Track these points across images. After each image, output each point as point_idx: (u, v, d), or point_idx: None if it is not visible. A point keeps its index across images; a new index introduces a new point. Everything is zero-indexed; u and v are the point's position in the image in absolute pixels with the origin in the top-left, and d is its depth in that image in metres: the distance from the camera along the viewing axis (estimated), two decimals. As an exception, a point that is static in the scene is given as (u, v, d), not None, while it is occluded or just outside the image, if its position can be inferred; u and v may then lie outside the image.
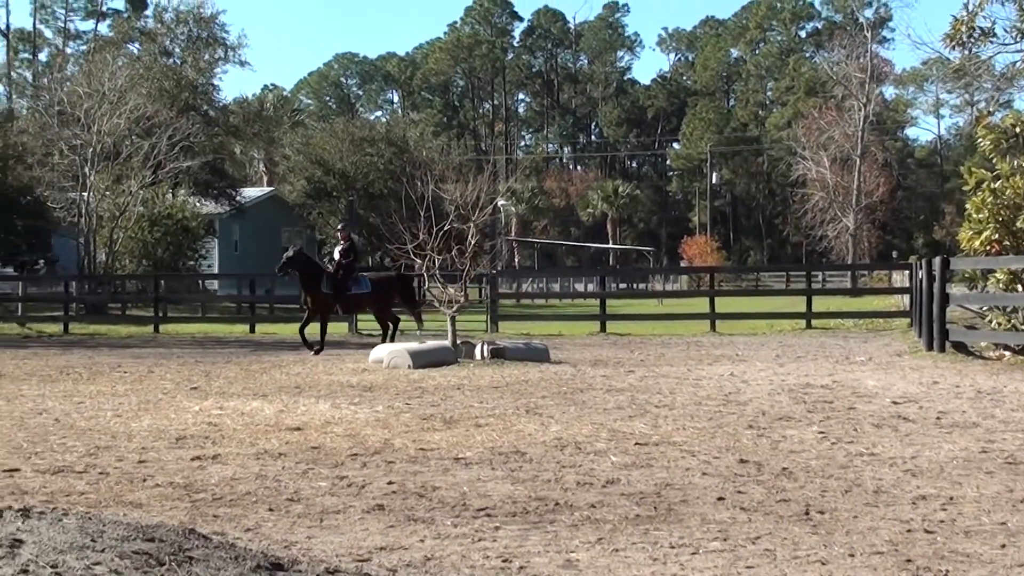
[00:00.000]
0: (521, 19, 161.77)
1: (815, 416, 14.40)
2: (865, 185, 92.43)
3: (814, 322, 36.30)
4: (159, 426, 13.93)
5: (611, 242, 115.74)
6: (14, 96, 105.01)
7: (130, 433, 13.28)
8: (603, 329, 36.27)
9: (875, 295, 53.13)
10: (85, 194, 51.31)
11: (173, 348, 31.03)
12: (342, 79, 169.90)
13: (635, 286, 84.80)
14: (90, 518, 7.43)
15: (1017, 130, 25.62)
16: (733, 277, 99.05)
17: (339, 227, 30.11)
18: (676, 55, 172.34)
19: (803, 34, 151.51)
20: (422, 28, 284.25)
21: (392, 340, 27.04)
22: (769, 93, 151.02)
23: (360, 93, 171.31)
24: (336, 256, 28.45)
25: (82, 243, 51.70)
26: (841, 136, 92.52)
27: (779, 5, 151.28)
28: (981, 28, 27.30)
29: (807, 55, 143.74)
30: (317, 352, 26.29)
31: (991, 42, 27.91)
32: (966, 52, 28.47)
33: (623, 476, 10.13)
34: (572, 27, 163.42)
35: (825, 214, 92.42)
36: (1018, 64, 29.25)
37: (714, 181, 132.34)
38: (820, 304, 40.59)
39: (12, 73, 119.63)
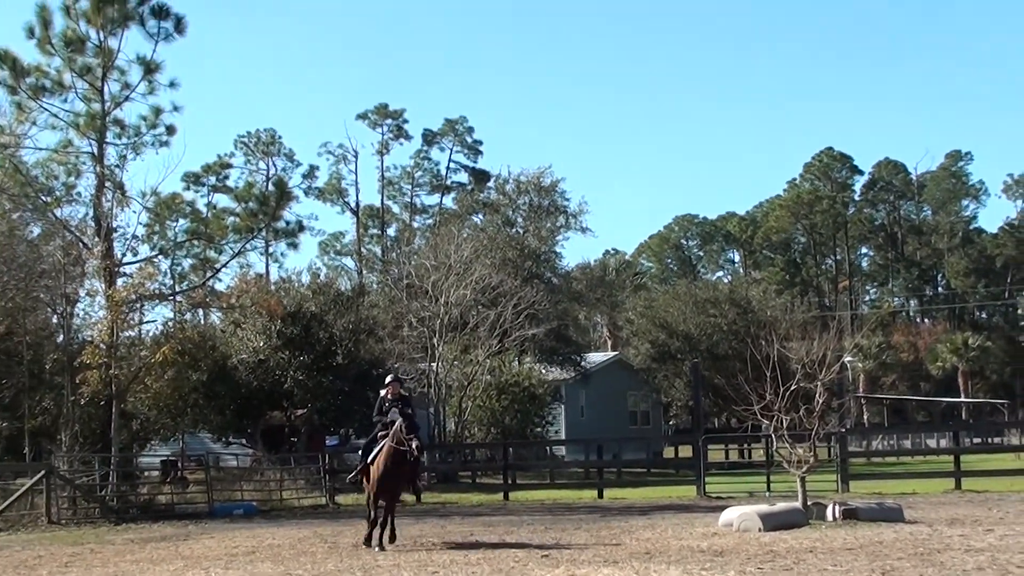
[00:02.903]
0: (861, 172, 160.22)
1: None
2: None
3: None
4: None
5: (962, 395, 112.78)
6: (364, 271, 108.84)
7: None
8: (958, 486, 35.36)
9: None
10: (434, 364, 52.61)
11: (523, 515, 31.36)
12: (682, 240, 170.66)
13: (990, 440, 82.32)
14: None
15: None
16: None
17: (389, 380, 23.29)
18: (1023, 201, 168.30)
19: None
20: (761, 186, 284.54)
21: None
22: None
23: (701, 254, 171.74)
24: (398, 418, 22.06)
25: (432, 413, 52.87)
26: None
27: None
28: None
29: None
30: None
31: None
32: None
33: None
34: (914, 178, 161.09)
35: None
36: None
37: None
38: None
39: (362, 249, 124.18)
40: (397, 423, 21.64)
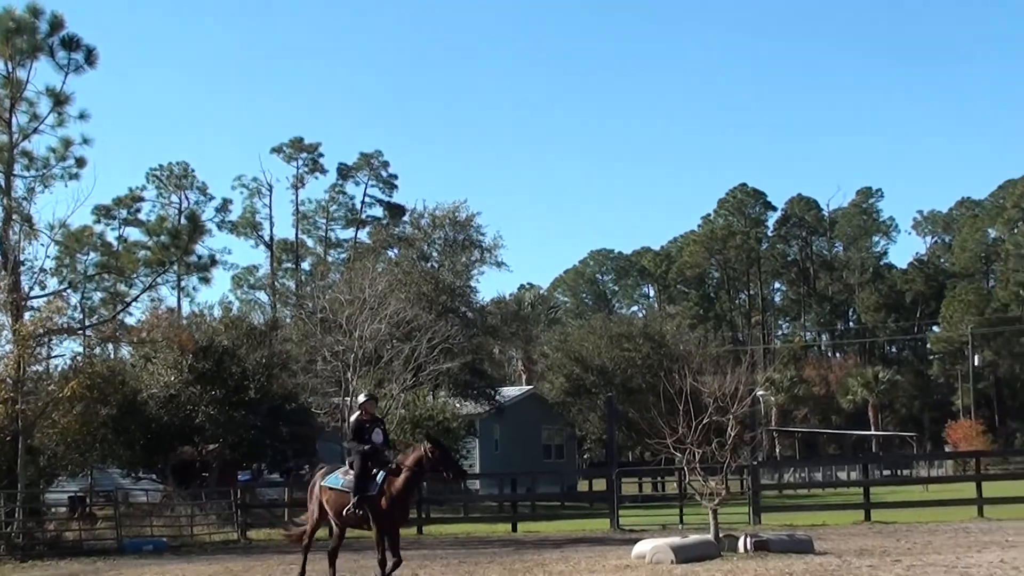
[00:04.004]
0: (774, 208, 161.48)
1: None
2: None
3: (1086, 505, 35.22)
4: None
5: (873, 428, 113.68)
6: (278, 305, 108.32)
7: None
8: (868, 518, 35.67)
9: None
10: (348, 399, 52.40)
11: (436, 549, 31.33)
12: (597, 275, 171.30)
13: (899, 473, 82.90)
14: None
15: None
16: (1000, 460, 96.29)
17: (363, 400, 21.94)
18: (932, 238, 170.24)
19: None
20: (676, 221, 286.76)
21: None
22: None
23: (616, 288, 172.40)
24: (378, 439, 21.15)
25: (345, 448, 52.62)
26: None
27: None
28: None
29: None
30: None
31: None
32: None
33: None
34: (826, 214, 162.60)
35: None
36: None
37: (976, 363, 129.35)
38: (1093, 486, 39.33)
39: (276, 283, 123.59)
40: (423, 448, 20.19)
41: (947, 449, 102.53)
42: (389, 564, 20.40)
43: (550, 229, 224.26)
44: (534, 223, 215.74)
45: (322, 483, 21.24)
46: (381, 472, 20.27)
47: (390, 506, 20.19)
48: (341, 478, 20.84)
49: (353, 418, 21.63)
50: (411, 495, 21.44)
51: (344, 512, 20.71)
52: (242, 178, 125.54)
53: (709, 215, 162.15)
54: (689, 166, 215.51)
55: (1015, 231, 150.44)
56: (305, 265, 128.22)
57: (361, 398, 21.85)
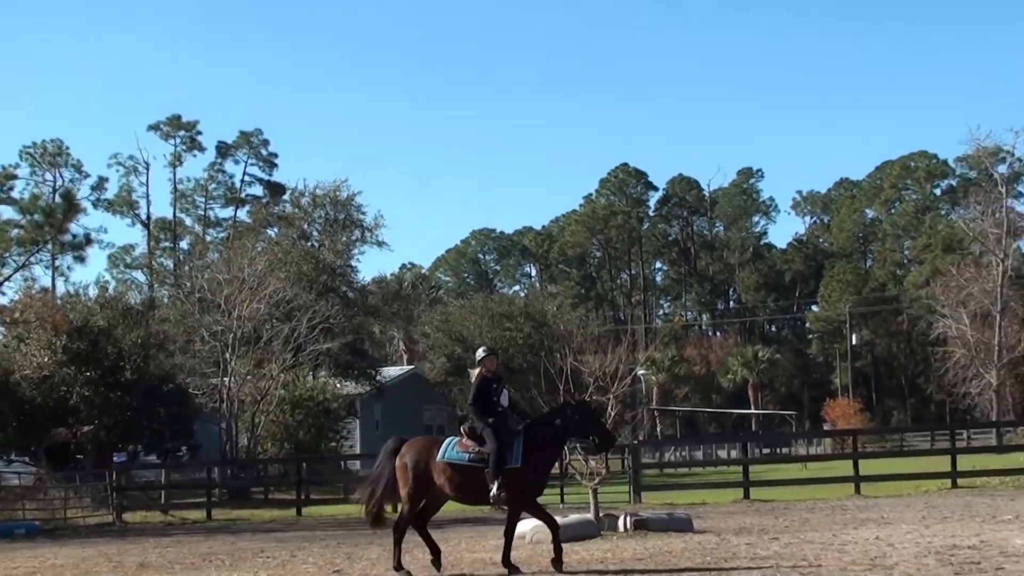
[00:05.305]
0: (656, 188, 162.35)
1: (963, 579, 14.11)
2: (1007, 340, 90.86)
3: (960, 481, 35.78)
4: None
5: (752, 407, 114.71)
6: (155, 285, 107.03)
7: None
8: (747, 496, 35.89)
9: (1021, 451, 51.94)
10: (226, 379, 51.90)
11: (316, 531, 31.09)
12: (479, 255, 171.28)
13: (778, 451, 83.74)
14: None
15: None
16: (877, 438, 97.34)
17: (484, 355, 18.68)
18: (811, 218, 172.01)
19: (938, 192, 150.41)
20: (557, 201, 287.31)
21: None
22: (906, 252, 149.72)
23: (498, 268, 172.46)
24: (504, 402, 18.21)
25: (224, 428, 52.18)
26: (980, 292, 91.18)
27: (913, 164, 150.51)
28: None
29: (943, 213, 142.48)
30: None
31: None
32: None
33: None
34: (707, 194, 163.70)
35: (967, 371, 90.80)
36: None
37: (854, 342, 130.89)
38: (965, 463, 39.91)
39: (153, 262, 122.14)
40: (567, 410, 17.54)
41: (825, 427, 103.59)
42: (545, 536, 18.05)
43: (432, 209, 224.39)
44: (416, 203, 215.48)
45: (442, 460, 17.66)
46: (518, 440, 17.30)
47: (534, 478, 17.40)
48: (464, 452, 17.56)
49: (475, 377, 18.25)
50: (553, 464, 19.07)
51: (475, 492, 17.54)
52: (118, 156, 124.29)
53: (591, 195, 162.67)
54: (571, 146, 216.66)
55: (892, 212, 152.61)
56: (183, 244, 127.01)
57: (480, 353, 18.63)
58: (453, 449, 17.65)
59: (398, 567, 17.65)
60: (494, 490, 16.95)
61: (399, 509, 18.46)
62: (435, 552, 17.92)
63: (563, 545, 17.48)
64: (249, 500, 45.86)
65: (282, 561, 21.55)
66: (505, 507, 17.67)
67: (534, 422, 17.79)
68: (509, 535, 17.54)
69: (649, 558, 17.99)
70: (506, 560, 17.43)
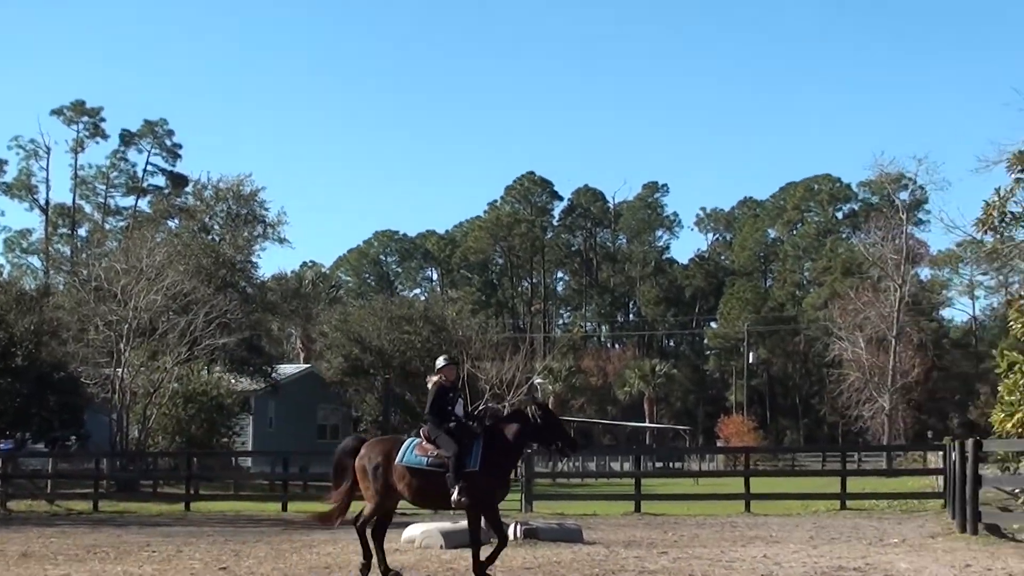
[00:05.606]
0: (561, 198, 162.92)
1: (849, 601, 14.20)
2: (901, 365, 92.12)
3: (849, 503, 36.09)
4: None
5: (648, 421, 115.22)
6: (51, 271, 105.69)
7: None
8: (638, 509, 35.95)
9: (910, 476, 52.49)
10: (120, 370, 51.35)
11: (204, 527, 30.77)
12: (381, 256, 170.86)
13: (671, 465, 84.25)
14: None
15: (1048, 314, 25.64)
16: (769, 457, 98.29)
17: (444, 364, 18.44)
18: (714, 235, 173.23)
19: (840, 215, 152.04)
20: (462, 206, 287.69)
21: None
22: (806, 273, 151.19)
23: (399, 271, 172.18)
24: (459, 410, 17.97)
25: (115, 419, 51.65)
26: (877, 317, 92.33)
27: (816, 187, 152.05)
28: (1013, 213, 27.34)
29: (844, 236, 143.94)
30: None
31: (1023, 226, 27.92)
32: (998, 236, 28.45)
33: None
34: (612, 206, 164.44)
35: (861, 394, 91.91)
36: (1049, 248, 29.19)
37: (751, 360, 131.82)
38: (855, 484, 40.32)
39: (50, 248, 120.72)
40: (528, 412, 17.08)
41: (719, 444, 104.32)
42: (490, 548, 17.32)
43: (335, 208, 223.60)
44: (319, 202, 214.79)
45: (401, 464, 17.33)
46: (477, 443, 17.04)
47: (492, 482, 17.06)
48: (423, 456, 17.23)
49: (432, 385, 17.97)
50: (513, 468, 18.84)
51: (433, 497, 17.34)
52: (19, 139, 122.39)
53: (496, 201, 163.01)
54: (478, 152, 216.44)
55: (794, 233, 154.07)
56: (82, 231, 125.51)
57: (441, 362, 18.36)
58: (412, 452, 17.34)
59: (386, 571, 17.21)
60: (455, 494, 16.67)
61: (363, 509, 17.67)
62: (368, 558, 17.45)
63: (453, 551, 17.40)
64: (137, 493, 45.32)
65: (168, 556, 21.31)
66: (465, 511, 17.29)
67: (494, 426, 17.56)
68: (475, 543, 17.06)
69: (538, 567, 17.97)
70: (477, 569, 16.89)
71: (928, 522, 29.31)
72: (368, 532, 17.45)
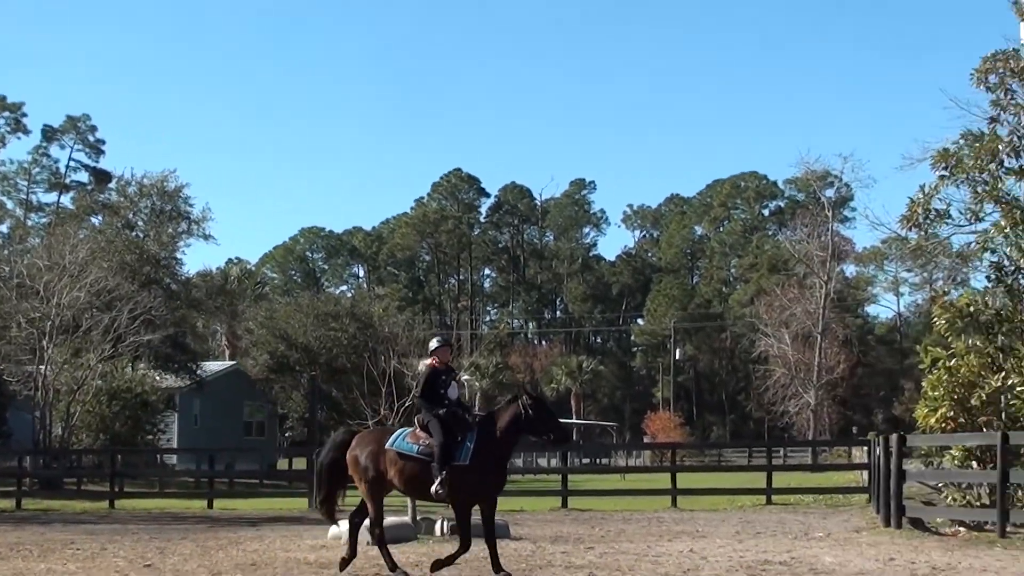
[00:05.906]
0: (488, 195, 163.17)
1: (773, 595, 14.28)
2: (826, 362, 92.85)
3: (774, 498, 36.35)
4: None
5: (575, 417, 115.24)
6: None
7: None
8: (565, 504, 36.02)
9: (835, 471, 52.87)
10: (43, 367, 50.87)
11: (128, 524, 30.55)
12: (308, 253, 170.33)
13: (598, 461, 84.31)
14: None
15: (971, 309, 25.88)
16: (696, 453, 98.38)
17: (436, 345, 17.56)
18: (641, 232, 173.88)
19: (766, 212, 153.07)
20: (388, 203, 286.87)
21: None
22: (732, 270, 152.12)
23: (325, 267, 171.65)
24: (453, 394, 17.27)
25: (38, 417, 51.17)
26: (803, 313, 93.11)
27: (743, 184, 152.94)
28: (936, 210, 27.55)
29: (770, 233, 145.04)
30: None
31: (947, 223, 28.13)
32: (923, 233, 28.68)
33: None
34: (539, 203, 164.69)
35: (787, 390, 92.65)
36: (972, 245, 29.42)
37: (678, 357, 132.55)
38: (781, 480, 40.61)
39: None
40: (520, 404, 16.43)
41: (646, 440, 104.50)
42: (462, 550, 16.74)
43: (261, 205, 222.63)
44: (245, 198, 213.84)
45: (392, 448, 16.72)
46: (470, 437, 16.38)
47: (484, 478, 16.49)
48: (414, 443, 16.63)
49: (424, 367, 17.33)
50: (507, 460, 17.85)
51: (422, 486, 16.63)
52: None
53: (422, 198, 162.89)
54: (404, 148, 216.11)
55: (720, 230, 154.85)
56: (3, 228, 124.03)
57: (434, 344, 17.50)
58: (404, 439, 16.83)
59: (392, 568, 16.93)
60: (435, 485, 16.22)
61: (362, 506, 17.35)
62: (351, 555, 17.22)
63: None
64: (61, 491, 44.91)
65: (92, 553, 21.13)
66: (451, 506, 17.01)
67: (487, 417, 17.07)
68: (463, 533, 16.69)
69: (464, 563, 17.92)
70: (495, 566, 16.50)
71: (853, 516, 29.56)
72: (377, 533, 17.34)
